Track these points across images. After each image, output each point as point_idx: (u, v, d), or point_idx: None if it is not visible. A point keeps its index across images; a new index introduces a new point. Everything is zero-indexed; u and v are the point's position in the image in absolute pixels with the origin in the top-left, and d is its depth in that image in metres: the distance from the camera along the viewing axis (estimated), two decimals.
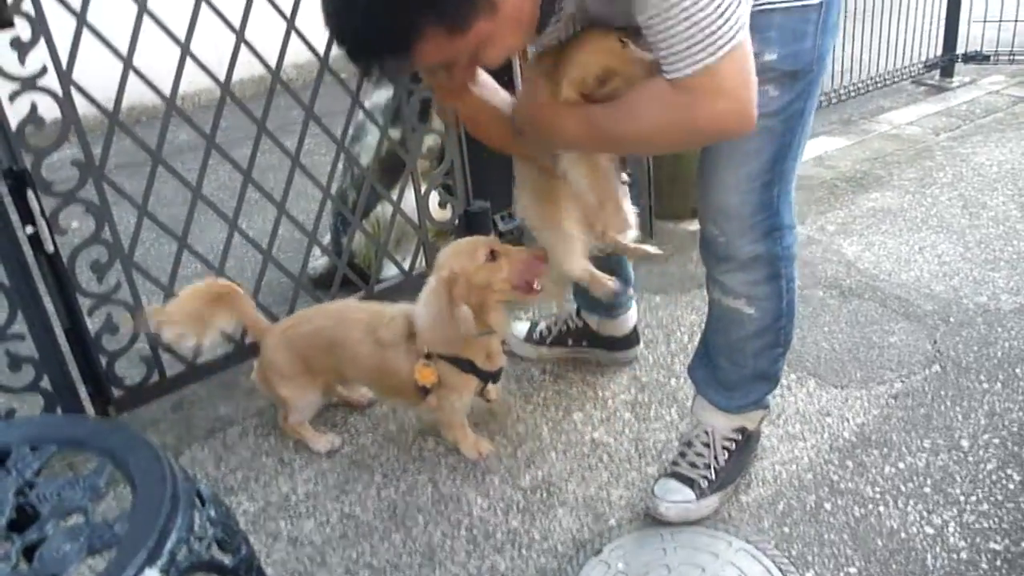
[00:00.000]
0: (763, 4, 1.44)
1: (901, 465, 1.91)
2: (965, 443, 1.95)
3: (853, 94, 4.14)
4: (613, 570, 1.70)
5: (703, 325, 1.88)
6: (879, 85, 4.27)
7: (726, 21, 1.21)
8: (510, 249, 1.82)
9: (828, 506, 1.82)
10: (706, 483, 1.82)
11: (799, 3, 1.45)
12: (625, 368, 2.31)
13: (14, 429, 1.33)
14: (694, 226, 2.31)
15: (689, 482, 1.81)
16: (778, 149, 1.57)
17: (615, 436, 2.07)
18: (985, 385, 2.13)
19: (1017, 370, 2.18)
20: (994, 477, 1.85)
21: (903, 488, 1.84)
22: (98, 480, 1.20)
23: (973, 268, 2.65)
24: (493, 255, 1.79)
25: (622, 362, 2.32)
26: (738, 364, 1.81)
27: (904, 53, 4.46)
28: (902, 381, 2.18)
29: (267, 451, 2.13)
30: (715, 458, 1.85)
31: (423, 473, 2.01)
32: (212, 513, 1.19)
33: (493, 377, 1.96)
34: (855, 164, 3.48)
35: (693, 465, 1.84)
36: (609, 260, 2.15)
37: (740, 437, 1.88)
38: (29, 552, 1.11)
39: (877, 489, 1.85)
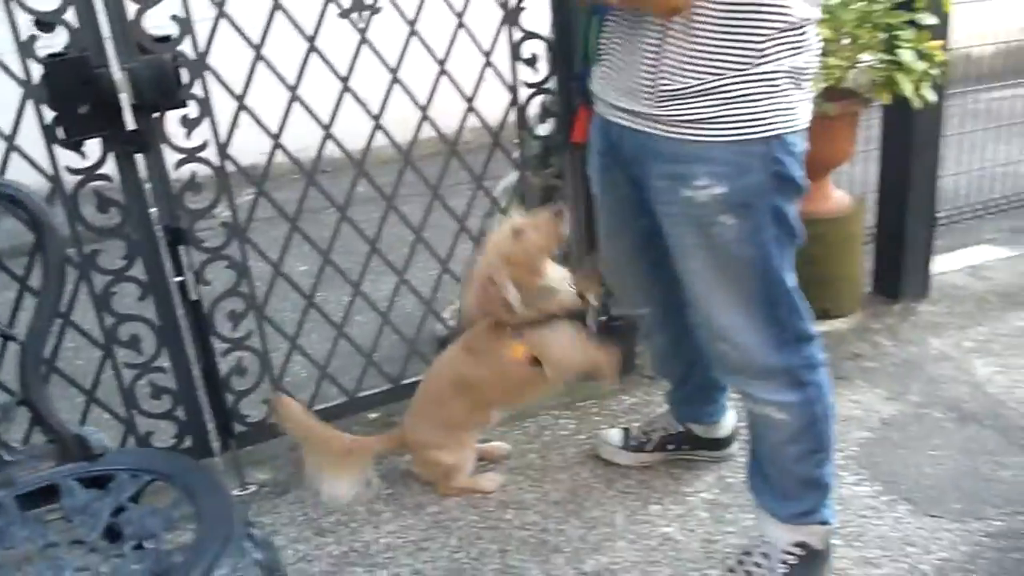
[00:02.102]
0: (707, 138, 1.59)
1: None
2: None
3: None
4: None
5: None
6: None
7: None
8: (529, 222, 2.10)
9: None
10: None
11: (740, 138, 1.58)
12: (714, 466, 2.35)
13: (120, 457, 1.58)
14: None
15: None
16: (763, 273, 1.68)
17: (686, 534, 2.12)
18: None
19: None
20: None
21: None
22: (174, 513, 1.41)
23: None
24: (518, 233, 2.06)
25: (723, 459, 2.37)
26: (783, 470, 1.86)
27: None
28: (1003, 520, 2.09)
29: (362, 500, 2.33)
30: (772, 570, 1.87)
31: (495, 543, 2.13)
32: (258, 556, 1.38)
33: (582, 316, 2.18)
34: (1013, 278, 3.32)
35: (749, 574, 1.86)
36: (686, 355, 2.22)
37: (802, 552, 1.89)
38: None
39: None
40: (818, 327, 1.88)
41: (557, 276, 2.16)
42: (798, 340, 1.76)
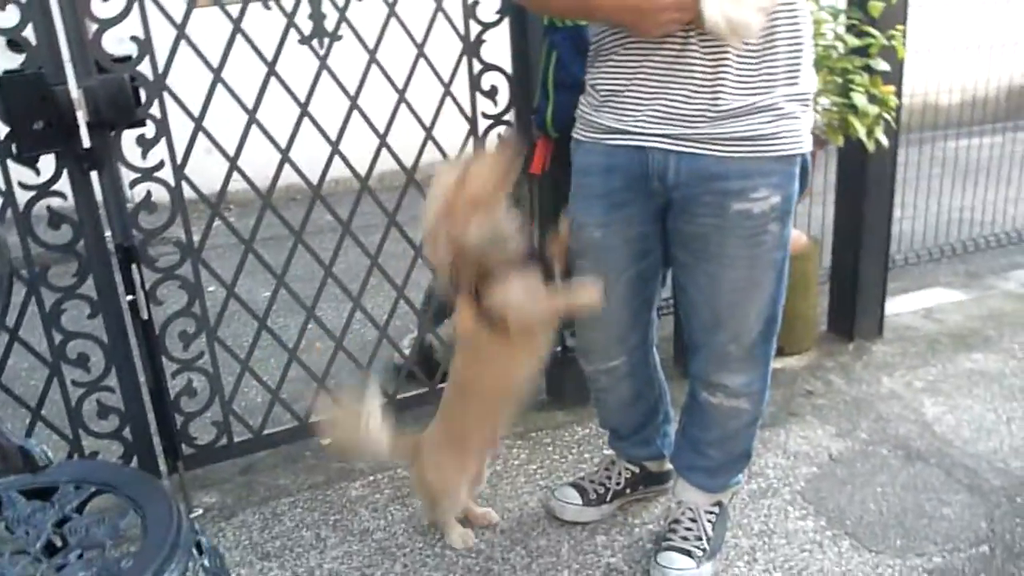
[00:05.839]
0: (766, 152, 1.79)
1: None
2: None
3: (983, 247, 4.12)
4: None
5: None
6: (1018, 240, 4.24)
7: None
8: (475, 160, 1.95)
9: None
10: (701, 552, 2.13)
11: (790, 152, 1.82)
12: (662, 497, 2.44)
13: (64, 469, 1.66)
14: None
15: (686, 552, 2.12)
16: (782, 273, 1.95)
17: (632, 565, 2.21)
18: None
19: None
20: None
21: None
22: (119, 522, 1.47)
23: None
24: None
25: (668, 490, 2.45)
26: (728, 450, 2.15)
27: None
28: (943, 556, 2.20)
29: (309, 525, 2.39)
30: (703, 530, 2.15)
31: (440, 571, 2.20)
32: (206, 563, 1.45)
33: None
34: (966, 321, 3.48)
35: (685, 538, 2.13)
36: (651, 395, 2.33)
37: (718, 510, 2.22)
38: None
39: None
40: (772, 364, 2.08)
41: (508, 221, 1.95)
42: (778, 330, 2.02)
